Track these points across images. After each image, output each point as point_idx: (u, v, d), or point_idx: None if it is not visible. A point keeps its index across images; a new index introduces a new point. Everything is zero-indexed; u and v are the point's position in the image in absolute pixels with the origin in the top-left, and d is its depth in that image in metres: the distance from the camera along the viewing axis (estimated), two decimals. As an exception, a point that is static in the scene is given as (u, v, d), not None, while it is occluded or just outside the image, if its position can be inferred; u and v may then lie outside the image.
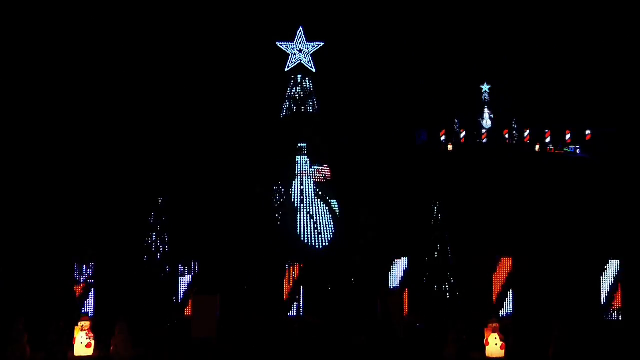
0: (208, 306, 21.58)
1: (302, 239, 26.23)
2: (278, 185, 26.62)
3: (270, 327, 22.48)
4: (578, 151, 29.14)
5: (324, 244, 26.26)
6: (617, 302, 24.71)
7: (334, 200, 26.96)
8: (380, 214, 25.59)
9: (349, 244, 25.14)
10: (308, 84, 27.85)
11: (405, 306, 24.21)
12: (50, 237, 24.58)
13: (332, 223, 26.64)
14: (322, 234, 26.44)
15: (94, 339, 19.40)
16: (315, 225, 26.47)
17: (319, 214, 26.66)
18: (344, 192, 27.01)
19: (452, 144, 29.28)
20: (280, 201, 26.43)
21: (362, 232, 24.94)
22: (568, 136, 29.39)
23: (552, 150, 29.11)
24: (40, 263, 23.71)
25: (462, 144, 29.46)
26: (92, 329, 19.47)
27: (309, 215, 26.52)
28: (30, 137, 26.67)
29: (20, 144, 26.52)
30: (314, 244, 26.20)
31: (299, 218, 26.48)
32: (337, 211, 26.80)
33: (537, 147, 29.22)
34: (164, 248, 23.78)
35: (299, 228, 26.36)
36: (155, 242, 23.74)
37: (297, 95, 27.70)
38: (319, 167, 27.20)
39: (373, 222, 25.04)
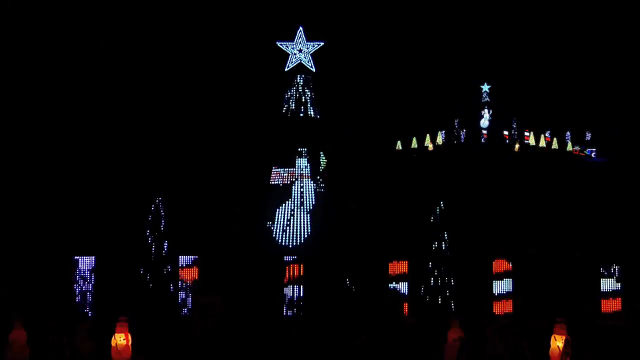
0: (208, 306, 21.61)
1: (300, 237, 26.39)
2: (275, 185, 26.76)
3: (270, 326, 22.48)
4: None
5: (319, 241, 26.36)
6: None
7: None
8: (380, 215, 25.65)
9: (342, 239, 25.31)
10: (308, 83, 27.88)
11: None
12: (50, 237, 24.59)
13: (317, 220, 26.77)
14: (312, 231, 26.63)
15: (94, 339, 19.38)
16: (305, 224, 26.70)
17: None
18: (341, 189, 27.08)
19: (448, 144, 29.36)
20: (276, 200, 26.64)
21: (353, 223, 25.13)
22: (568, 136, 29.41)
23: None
24: (40, 263, 23.71)
25: (461, 143, 29.49)
26: (92, 328, 19.46)
27: (291, 215, 26.69)
28: (30, 137, 26.67)
29: (21, 144, 26.52)
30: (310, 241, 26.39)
31: (298, 217, 26.59)
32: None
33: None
34: (163, 248, 23.79)
35: (297, 227, 26.48)
36: (155, 242, 23.75)
37: (297, 95, 27.73)
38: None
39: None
